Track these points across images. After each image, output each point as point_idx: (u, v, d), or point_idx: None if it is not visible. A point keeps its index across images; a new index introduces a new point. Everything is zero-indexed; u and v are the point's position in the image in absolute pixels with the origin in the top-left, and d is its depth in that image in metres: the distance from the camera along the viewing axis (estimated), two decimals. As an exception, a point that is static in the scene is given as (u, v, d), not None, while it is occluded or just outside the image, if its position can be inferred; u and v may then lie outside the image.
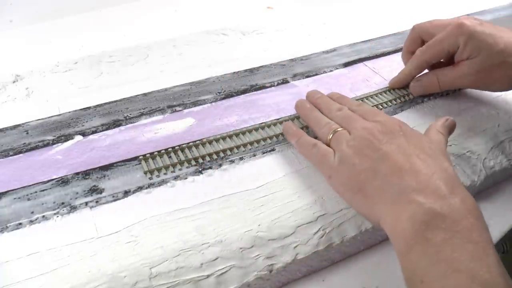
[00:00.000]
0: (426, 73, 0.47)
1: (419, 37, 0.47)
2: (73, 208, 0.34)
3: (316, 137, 0.39)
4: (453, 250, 0.26)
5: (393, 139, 0.33)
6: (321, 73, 0.52)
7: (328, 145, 0.37)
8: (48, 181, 0.37)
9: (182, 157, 0.39)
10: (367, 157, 0.33)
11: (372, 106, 0.46)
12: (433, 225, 0.27)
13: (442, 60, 0.46)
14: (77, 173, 0.38)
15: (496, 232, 0.38)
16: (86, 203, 0.35)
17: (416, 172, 0.30)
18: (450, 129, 0.38)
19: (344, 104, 0.41)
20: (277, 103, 0.47)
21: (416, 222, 0.28)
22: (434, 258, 0.26)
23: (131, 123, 0.44)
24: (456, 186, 0.30)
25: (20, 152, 0.40)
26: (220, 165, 0.39)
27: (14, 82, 0.51)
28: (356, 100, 0.46)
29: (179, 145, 0.40)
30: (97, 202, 0.35)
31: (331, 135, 0.37)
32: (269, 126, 0.43)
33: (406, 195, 0.30)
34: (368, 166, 0.32)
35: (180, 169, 0.38)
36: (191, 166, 0.39)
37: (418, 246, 0.27)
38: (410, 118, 0.43)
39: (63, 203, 0.35)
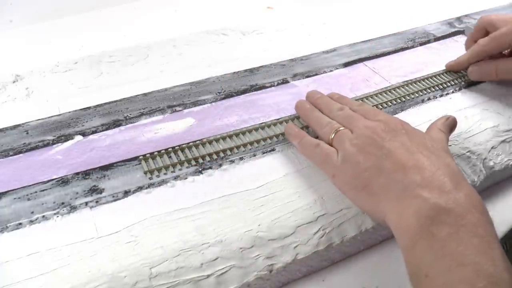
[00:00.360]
0: (486, 61, 0.49)
1: (484, 28, 0.49)
2: (73, 208, 0.34)
3: (317, 138, 0.39)
4: (458, 244, 0.26)
5: (396, 137, 0.34)
6: (321, 73, 0.52)
7: (330, 145, 0.37)
8: (48, 181, 0.37)
9: (182, 157, 0.39)
10: (371, 155, 0.33)
11: (372, 106, 0.46)
12: (438, 220, 0.27)
13: (504, 53, 0.49)
14: (77, 173, 0.38)
15: (497, 232, 0.38)
16: (86, 203, 0.35)
17: (420, 168, 0.31)
18: (451, 127, 0.38)
19: (344, 104, 0.41)
20: (277, 103, 0.47)
21: (421, 217, 0.28)
22: (439, 252, 0.26)
23: (131, 123, 0.44)
24: (460, 181, 0.30)
25: (20, 152, 0.40)
26: (220, 165, 0.39)
27: (14, 82, 0.51)
28: (356, 100, 0.46)
29: (179, 145, 0.40)
30: (97, 202, 0.35)
31: (333, 134, 0.37)
32: (269, 126, 0.43)
33: (411, 191, 0.30)
34: (372, 163, 0.32)
35: (180, 169, 0.38)
36: (191, 166, 0.38)
37: (423, 241, 0.27)
38: (410, 118, 0.43)
39: (63, 203, 0.35)
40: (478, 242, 0.26)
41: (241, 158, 0.39)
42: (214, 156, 0.39)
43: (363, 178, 0.32)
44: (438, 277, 0.26)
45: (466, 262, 0.25)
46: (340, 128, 0.37)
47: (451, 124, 0.38)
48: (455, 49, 0.57)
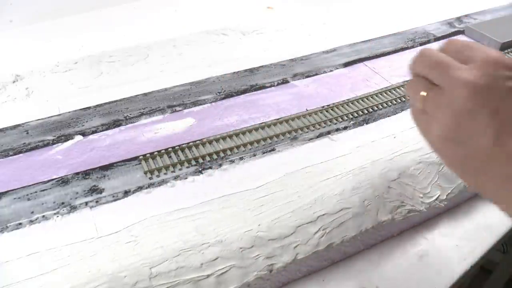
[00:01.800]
0: None
1: None
2: (73, 208, 0.34)
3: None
4: None
5: None
6: (321, 73, 0.52)
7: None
8: (48, 181, 0.37)
9: (182, 157, 0.39)
10: None
11: (372, 105, 0.46)
12: None
13: None
14: (77, 173, 0.38)
15: (496, 232, 0.38)
16: (86, 203, 0.35)
17: None
18: None
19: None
20: (277, 103, 0.47)
21: None
22: None
23: (131, 123, 0.44)
24: None
25: (20, 152, 0.40)
26: (220, 165, 0.39)
27: (14, 82, 0.51)
28: (356, 100, 0.46)
29: (179, 145, 0.40)
30: (97, 202, 0.35)
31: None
32: (269, 126, 0.43)
33: None
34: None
35: (180, 169, 0.38)
36: (191, 166, 0.38)
37: None
38: (410, 119, 0.43)
39: (63, 203, 0.35)
40: None
41: (241, 158, 0.39)
42: (214, 156, 0.39)
43: None
44: None
45: None
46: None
47: None
48: (455, 49, 0.57)
